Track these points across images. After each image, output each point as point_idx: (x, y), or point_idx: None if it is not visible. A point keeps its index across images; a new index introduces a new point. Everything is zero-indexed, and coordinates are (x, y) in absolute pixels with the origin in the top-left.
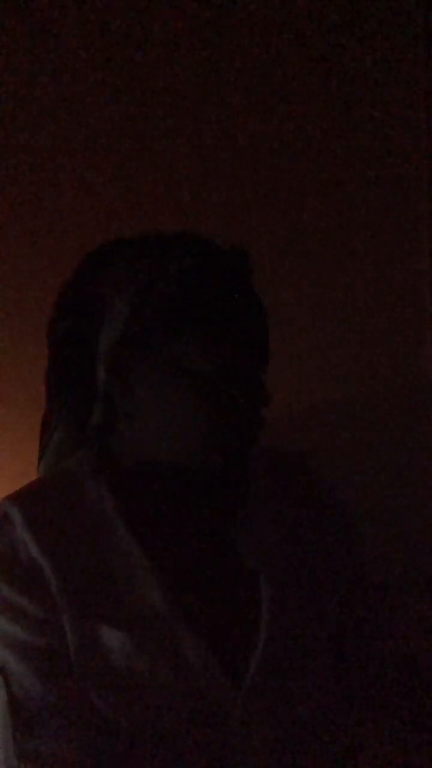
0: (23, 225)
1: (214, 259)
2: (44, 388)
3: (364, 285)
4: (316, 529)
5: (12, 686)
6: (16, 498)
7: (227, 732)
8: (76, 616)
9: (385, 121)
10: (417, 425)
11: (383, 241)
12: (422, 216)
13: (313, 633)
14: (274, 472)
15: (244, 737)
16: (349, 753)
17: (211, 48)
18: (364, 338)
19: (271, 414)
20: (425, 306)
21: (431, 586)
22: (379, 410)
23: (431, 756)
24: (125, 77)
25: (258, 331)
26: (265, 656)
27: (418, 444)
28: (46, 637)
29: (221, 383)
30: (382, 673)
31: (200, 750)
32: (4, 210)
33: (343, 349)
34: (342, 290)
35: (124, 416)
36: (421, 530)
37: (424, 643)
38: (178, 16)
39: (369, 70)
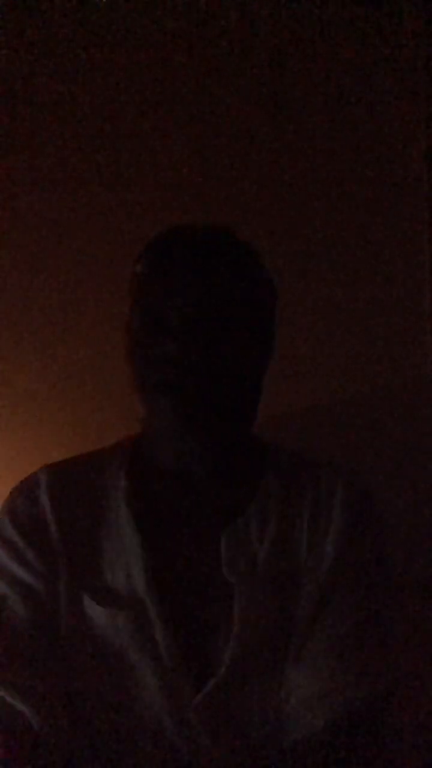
0: (22, 225)
1: (181, 244)
2: None
3: (364, 285)
4: (319, 546)
5: (2, 617)
6: (49, 467)
7: (182, 728)
8: (70, 582)
9: (385, 121)
10: (417, 425)
11: (383, 242)
12: (422, 216)
13: (282, 653)
14: (289, 479)
15: (198, 739)
16: None
17: (212, 48)
18: (364, 338)
19: (271, 414)
20: (425, 306)
21: (431, 587)
22: (379, 410)
23: None
24: (125, 77)
25: (223, 317)
26: (228, 670)
27: (418, 444)
28: (39, 581)
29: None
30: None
31: (154, 735)
32: (5, 210)
33: (343, 349)
34: (342, 290)
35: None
36: (421, 530)
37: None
38: (178, 15)
39: (369, 70)
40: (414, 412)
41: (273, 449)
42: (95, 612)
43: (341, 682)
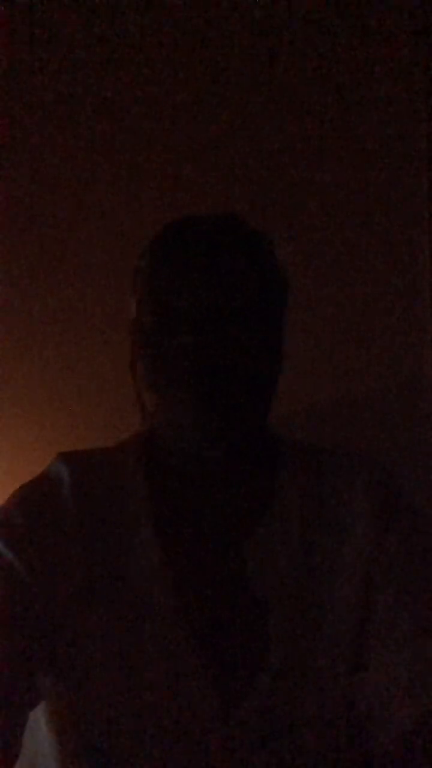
0: (23, 224)
1: (183, 232)
2: None
3: (364, 285)
4: (347, 537)
5: None
6: (69, 462)
7: (208, 757)
8: (86, 590)
9: (385, 121)
10: (417, 425)
11: (383, 241)
12: (422, 216)
13: (323, 677)
14: (305, 471)
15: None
16: None
17: (211, 47)
18: (364, 338)
19: (270, 413)
20: (425, 306)
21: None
22: (378, 410)
23: None
24: (125, 76)
25: (231, 303)
26: (262, 695)
27: (418, 444)
28: (35, 576)
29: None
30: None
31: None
32: (5, 209)
33: (343, 349)
34: (342, 290)
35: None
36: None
37: None
38: (178, 15)
39: (369, 70)
40: (414, 412)
41: (286, 441)
42: (112, 621)
43: (425, 672)
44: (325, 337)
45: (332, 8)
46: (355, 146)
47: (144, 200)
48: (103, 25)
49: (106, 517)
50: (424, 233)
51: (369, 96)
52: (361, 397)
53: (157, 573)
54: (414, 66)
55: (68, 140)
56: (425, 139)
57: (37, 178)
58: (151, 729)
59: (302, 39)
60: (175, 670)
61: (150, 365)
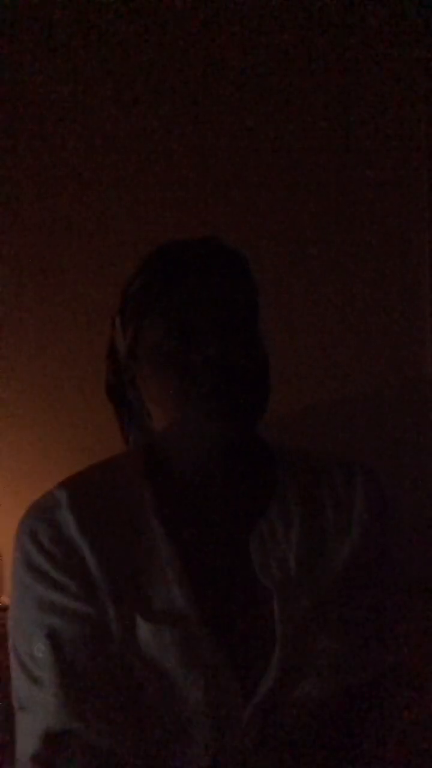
0: (24, 231)
1: (180, 252)
2: None
3: (364, 285)
4: (344, 544)
5: (63, 650)
6: (66, 483)
7: (232, 742)
8: (113, 599)
9: (385, 121)
10: (416, 425)
11: (383, 241)
12: (422, 216)
13: (329, 658)
14: (303, 475)
15: (248, 751)
16: None
17: (212, 47)
18: (363, 338)
19: (271, 414)
20: (425, 306)
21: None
22: (378, 410)
23: None
24: (125, 77)
25: (228, 312)
26: (275, 678)
27: (418, 444)
28: (89, 607)
29: (188, 358)
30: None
31: (205, 750)
32: (6, 216)
33: (343, 349)
34: (342, 290)
35: (153, 420)
36: (421, 531)
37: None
38: (178, 15)
39: (369, 70)
40: (414, 412)
41: (280, 447)
42: (142, 630)
43: (369, 652)
44: (325, 337)
45: (332, 8)
46: (356, 146)
47: (145, 207)
48: (103, 27)
49: (116, 532)
50: (423, 233)
51: (369, 96)
52: (361, 397)
53: (173, 571)
54: (414, 66)
55: (69, 145)
56: (425, 139)
57: (39, 187)
58: (176, 720)
59: (303, 39)
60: (200, 666)
61: (167, 381)
